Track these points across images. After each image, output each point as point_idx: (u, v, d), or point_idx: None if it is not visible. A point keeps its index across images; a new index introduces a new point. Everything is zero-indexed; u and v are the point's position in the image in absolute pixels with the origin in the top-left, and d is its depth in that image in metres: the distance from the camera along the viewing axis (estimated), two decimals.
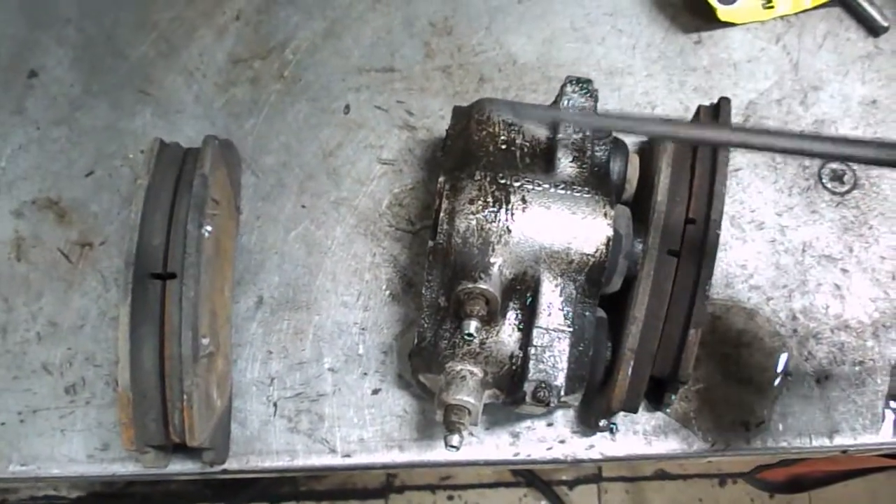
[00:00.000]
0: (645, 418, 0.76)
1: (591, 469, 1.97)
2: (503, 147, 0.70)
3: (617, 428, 0.75)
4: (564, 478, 1.99)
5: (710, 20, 0.87)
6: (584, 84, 0.71)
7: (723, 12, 0.86)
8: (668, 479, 1.97)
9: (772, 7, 0.87)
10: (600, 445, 0.75)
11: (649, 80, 0.86)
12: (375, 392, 0.76)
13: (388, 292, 0.79)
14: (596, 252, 0.65)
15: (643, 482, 1.97)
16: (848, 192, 0.83)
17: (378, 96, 0.86)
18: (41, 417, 0.76)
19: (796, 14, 0.88)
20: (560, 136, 0.69)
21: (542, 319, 0.66)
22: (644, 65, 0.87)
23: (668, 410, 0.76)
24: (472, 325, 0.63)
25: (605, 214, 0.65)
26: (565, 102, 0.70)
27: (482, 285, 0.64)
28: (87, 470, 0.75)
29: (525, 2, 0.89)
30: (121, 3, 0.89)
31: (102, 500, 1.89)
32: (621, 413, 0.73)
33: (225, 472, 0.75)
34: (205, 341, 0.68)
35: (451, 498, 2.02)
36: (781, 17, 0.88)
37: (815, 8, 0.88)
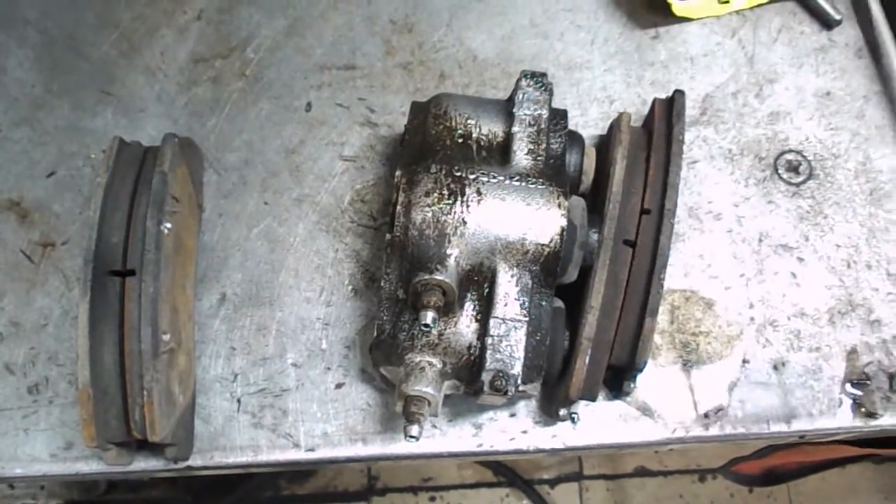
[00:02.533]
0: (605, 407, 0.76)
1: (572, 467, 1.98)
2: (460, 141, 0.71)
3: (578, 417, 0.75)
4: (546, 476, 2.00)
5: (666, 15, 0.88)
6: (538, 78, 0.72)
7: (679, 7, 0.87)
8: (648, 476, 1.98)
9: (727, 2, 0.88)
10: (562, 435, 0.76)
11: (608, 75, 0.87)
12: (339, 386, 0.77)
13: (350, 287, 0.80)
14: (550, 242, 0.66)
15: (624, 479, 1.98)
16: (803, 182, 0.84)
17: (339, 94, 0.87)
18: (4, 417, 0.76)
19: (751, 8, 0.89)
20: (516, 129, 0.70)
21: (499, 310, 0.66)
22: (602, 60, 0.88)
23: (627, 399, 0.76)
24: (430, 316, 0.63)
25: (560, 205, 0.66)
26: (520, 96, 0.71)
27: (439, 276, 0.64)
28: (51, 469, 0.75)
29: None
30: (81, 4, 0.90)
31: None
32: (582, 402, 0.74)
33: (189, 468, 0.75)
34: (165, 337, 0.68)
35: (432, 499, 2.02)
36: (737, 12, 0.90)
37: (770, 2, 0.89)
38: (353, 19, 0.89)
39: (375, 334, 0.69)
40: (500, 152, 0.70)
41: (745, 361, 0.78)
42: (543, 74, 0.72)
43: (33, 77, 0.87)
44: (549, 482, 2.00)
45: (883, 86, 0.87)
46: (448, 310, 0.67)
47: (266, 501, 2.06)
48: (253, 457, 0.75)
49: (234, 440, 0.75)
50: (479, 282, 0.67)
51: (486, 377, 0.66)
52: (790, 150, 0.85)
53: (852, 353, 0.78)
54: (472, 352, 0.67)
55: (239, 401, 0.76)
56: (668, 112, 0.75)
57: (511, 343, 0.66)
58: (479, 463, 2.03)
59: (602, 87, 0.87)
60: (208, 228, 0.81)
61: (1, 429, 0.76)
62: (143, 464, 0.74)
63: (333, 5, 0.90)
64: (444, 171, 0.67)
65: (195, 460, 0.75)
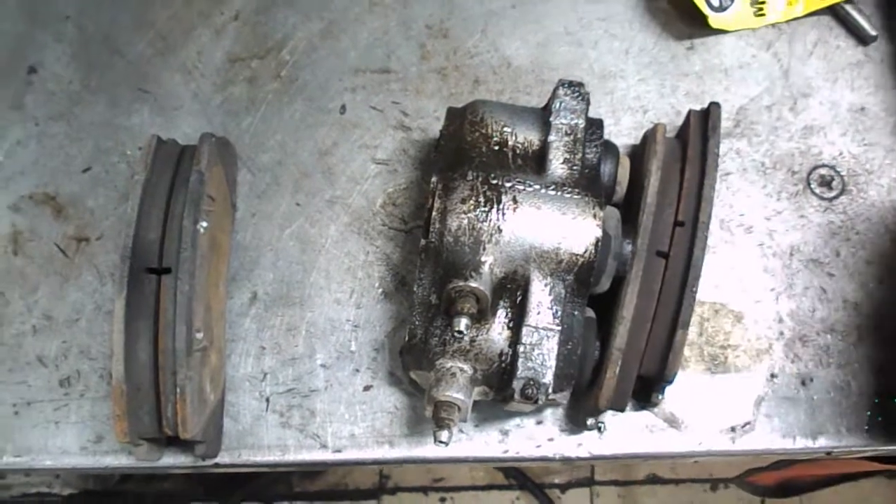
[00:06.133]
0: (632, 417, 0.76)
1: (583, 472, 1.98)
2: (496, 148, 0.71)
3: (605, 427, 0.76)
4: (557, 481, 2.00)
5: (702, 27, 0.88)
6: (576, 87, 0.72)
7: (714, 19, 0.87)
8: (660, 484, 1.98)
9: (763, 15, 0.88)
10: (588, 444, 0.76)
11: (641, 85, 0.87)
12: (367, 388, 0.77)
13: (380, 290, 0.80)
14: (585, 252, 0.66)
15: (635, 486, 1.98)
16: (836, 197, 0.84)
17: (374, 97, 0.87)
18: (35, 409, 0.77)
19: (787, 22, 0.89)
20: (552, 138, 0.70)
21: (532, 318, 0.67)
22: (636, 69, 0.88)
23: (655, 410, 0.76)
24: (463, 323, 0.64)
25: (595, 216, 0.66)
26: (557, 105, 0.71)
27: (473, 283, 0.65)
28: (80, 462, 0.76)
29: (520, 6, 0.90)
30: (119, 2, 0.90)
31: (95, 497, 1.89)
32: (609, 412, 0.74)
33: (217, 465, 0.76)
34: (198, 335, 0.69)
35: (443, 500, 2.02)
36: (773, 25, 0.89)
37: (806, 16, 0.89)
38: (388, 23, 0.89)
39: (407, 338, 0.70)
40: (536, 161, 0.70)
41: (773, 376, 0.78)
42: (581, 84, 0.72)
43: (70, 73, 0.88)
44: (560, 486, 2.00)
45: None
46: (481, 317, 0.67)
47: (277, 497, 2.07)
48: (280, 456, 0.76)
49: (261, 439, 0.76)
50: (512, 289, 0.68)
51: (516, 385, 0.66)
52: (823, 165, 0.85)
53: (881, 371, 0.78)
54: (503, 359, 0.68)
55: (268, 400, 0.77)
56: (703, 124, 0.75)
57: (543, 352, 0.66)
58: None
59: (636, 96, 0.87)
60: (241, 228, 0.82)
61: (32, 420, 0.77)
62: (172, 460, 0.75)
63: (369, 9, 0.90)
64: (480, 179, 0.67)
65: (223, 458, 0.76)
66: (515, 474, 1.99)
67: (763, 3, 0.87)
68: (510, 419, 0.76)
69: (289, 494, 2.06)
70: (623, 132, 0.85)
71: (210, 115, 0.86)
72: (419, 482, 2.05)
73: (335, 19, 0.90)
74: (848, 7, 0.88)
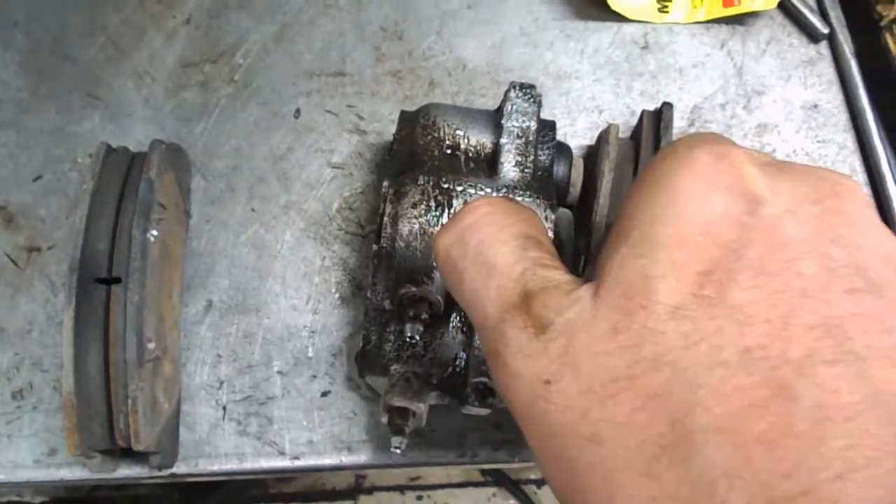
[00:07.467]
0: None
1: None
2: (448, 152, 0.71)
3: None
4: (532, 477, 2.01)
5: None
6: (527, 89, 0.72)
7: (614, 1, 0.87)
8: None
9: (666, 12, 0.89)
10: None
11: (597, 85, 0.88)
12: (324, 394, 0.77)
13: (337, 295, 0.80)
14: None
15: None
16: None
17: (329, 100, 0.86)
18: None
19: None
20: (503, 141, 0.70)
21: None
22: (591, 69, 0.88)
23: None
24: (416, 328, 0.64)
25: (546, 218, 0.66)
26: (509, 107, 0.71)
27: (425, 288, 0.64)
28: (34, 475, 0.74)
29: (475, 7, 0.90)
30: (69, 7, 0.89)
31: None
32: None
33: (174, 475, 0.75)
34: (150, 346, 0.68)
35: (419, 498, 2.03)
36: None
37: (709, 21, 0.89)
38: (342, 26, 0.89)
39: (361, 344, 0.69)
40: (488, 164, 0.70)
41: None
42: (532, 86, 0.72)
43: (19, 80, 0.86)
44: (536, 482, 2.01)
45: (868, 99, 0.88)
46: (434, 322, 0.67)
47: (253, 499, 2.07)
48: (238, 464, 0.75)
49: (219, 447, 0.75)
50: None
51: (471, 389, 0.66)
52: None
53: None
54: (457, 363, 0.68)
55: (224, 408, 0.76)
56: (655, 124, 0.75)
57: None
58: None
59: (591, 96, 0.87)
60: (195, 235, 0.81)
61: None
62: (128, 471, 0.74)
63: (323, 11, 0.89)
64: (431, 183, 0.67)
65: (180, 467, 0.75)
66: (492, 471, 2.00)
67: (669, 1, 0.87)
68: (468, 422, 0.76)
69: (264, 496, 2.05)
70: (579, 133, 0.86)
71: (162, 121, 0.85)
72: (395, 481, 2.05)
73: (289, 22, 0.89)
74: (798, 4, 0.89)
